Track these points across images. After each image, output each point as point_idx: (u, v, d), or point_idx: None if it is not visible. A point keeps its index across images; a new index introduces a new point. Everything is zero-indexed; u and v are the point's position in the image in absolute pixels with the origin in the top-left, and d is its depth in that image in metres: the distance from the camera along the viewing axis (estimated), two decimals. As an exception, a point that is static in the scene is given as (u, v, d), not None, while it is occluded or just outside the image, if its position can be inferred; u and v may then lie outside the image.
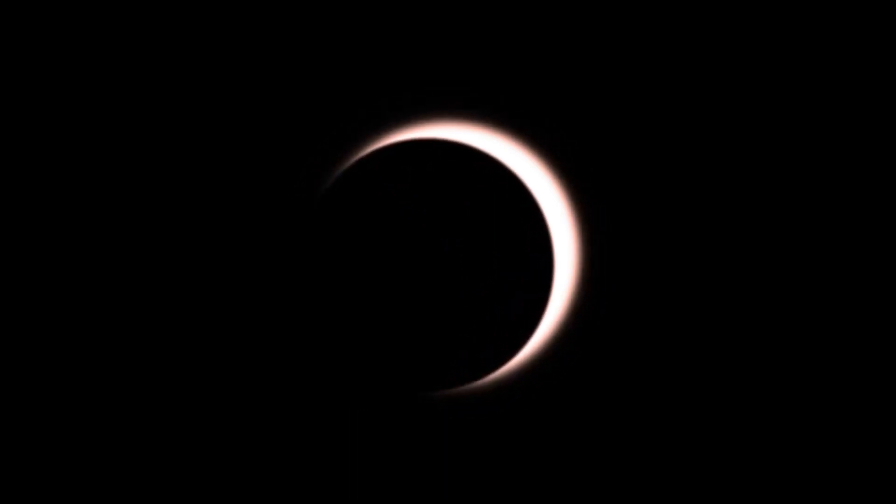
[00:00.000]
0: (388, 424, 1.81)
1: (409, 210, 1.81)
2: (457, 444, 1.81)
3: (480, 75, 1.80)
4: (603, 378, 1.81)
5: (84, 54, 1.77)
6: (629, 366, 1.81)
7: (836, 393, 1.79)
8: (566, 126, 1.81)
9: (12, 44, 1.77)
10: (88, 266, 1.78)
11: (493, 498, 1.81)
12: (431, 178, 1.80)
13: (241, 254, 1.79)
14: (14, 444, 1.77)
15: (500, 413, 1.81)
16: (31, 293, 1.77)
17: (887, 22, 1.78)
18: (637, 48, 1.79)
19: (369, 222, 1.80)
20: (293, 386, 1.80)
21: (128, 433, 1.78)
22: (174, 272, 1.78)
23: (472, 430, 1.81)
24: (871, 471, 1.79)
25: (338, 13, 1.78)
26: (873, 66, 1.79)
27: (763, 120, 1.80)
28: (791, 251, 1.80)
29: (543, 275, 1.80)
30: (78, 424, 1.78)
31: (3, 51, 1.77)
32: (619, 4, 1.78)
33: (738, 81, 1.80)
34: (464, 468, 1.81)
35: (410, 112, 1.81)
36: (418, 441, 1.81)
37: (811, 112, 1.79)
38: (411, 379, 1.80)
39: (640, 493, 1.80)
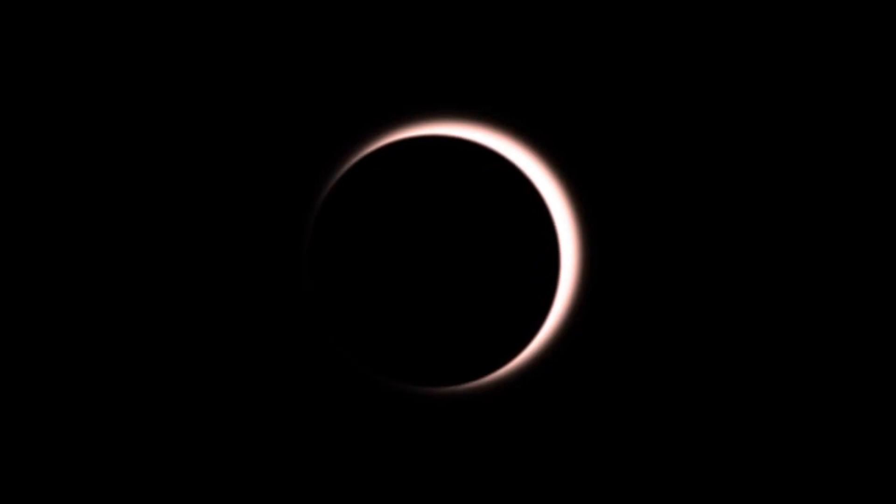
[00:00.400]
0: (389, 424, 1.81)
1: (414, 207, 1.81)
2: (457, 444, 1.81)
3: (485, 75, 1.80)
4: (603, 379, 1.81)
5: (84, 55, 1.77)
6: (629, 367, 1.81)
7: (839, 394, 1.80)
8: (566, 126, 1.81)
9: (12, 44, 1.77)
10: (94, 267, 1.78)
11: (493, 498, 1.81)
12: (437, 175, 1.80)
13: (248, 250, 1.79)
14: (14, 444, 1.77)
15: (501, 413, 1.81)
16: (31, 294, 1.77)
17: (887, 22, 1.79)
18: (638, 50, 1.80)
19: (374, 219, 1.80)
20: (295, 383, 1.80)
21: (134, 431, 1.78)
22: (179, 271, 1.78)
23: (472, 430, 1.81)
24: (871, 471, 1.79)
25: (349, 12, 1.78)
26: (873, 67, 1.80)
27: (763, 120, 1.80)
28: (791, 249, 1.80)
29: (548, 274, 1.80)
30: (82, 424, 1.78)
31: (2, 51, 1.77)
32: (621, 6, 1.79)
33: (738, 82, 1.80)
34: (464, 468, 1.81)
35: (416, 109, 1.81)
36: (418, 440, 1.81)
37: (811, 112, 1.80)
38: (415, 375, 1.79)
39: (640, 493, 1.81)
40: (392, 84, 1.80)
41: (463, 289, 1.81)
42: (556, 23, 1.80)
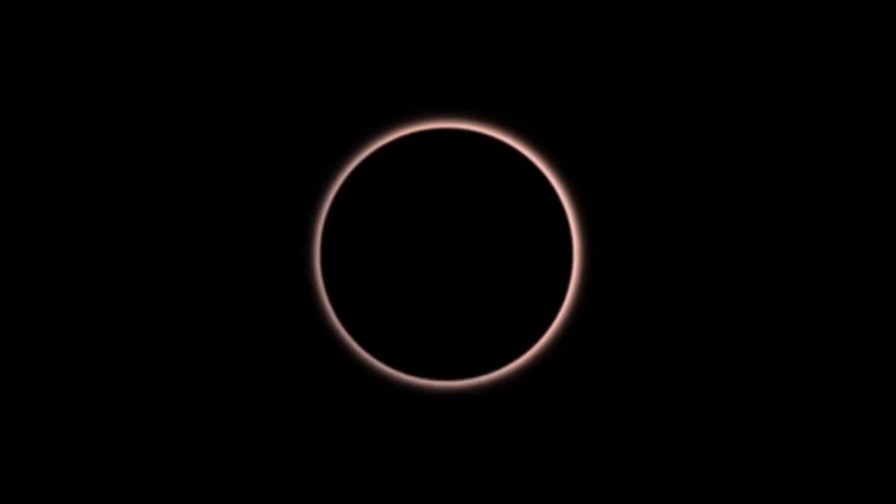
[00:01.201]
0: (389, 423, 1.81)
1: (425, 201, 1.79)
2: (456, 441, 1.81)
3: (488, 74, 1.80)
4: (603, 379, 1.81)
5: (87, 58, 1.77)
6: (629, 368, 1.81)
7: (837, 393, 1.80)
8: (566, 127, 1.81)
9: (14, 44, 1.78)
10: (108, 268, 1.79)
11: (491, 495, 1.81)
12: (449, 168, 1.79)
13: (259, 244, 1.81)
14: (14, 444, 1.78)
15: (500, 411, 1.81)
16: (36, 294, 1.77)
17: (887, 22, 1.79)
18: (639, 52, 1.80)
19: (384, 212, 1.79)
20: (299, 376, 1.81)
21: (142, 428, 1.80)
22: (194, 265, 1.80)
23: (471, 427, 1.81)
24: (871, 471, 1.79)
25: (359, 13, 1.79)
26: (873, 67, 1.79)
27: (762, 120, 1.80)
28: (790, 248, 1.80)
29: (561, 273, 1.79)
30: (95, 422, 1.79)
31: (4, 51, 1.78)
32: (627, 11, 1.79)
33: (737, 82, 1.80)
34: (464, 467, 1.81)
35: (419, 107, 1.81)
36: (418, 436, 1.81)
37: (811, 112, 1.80)
38: (420, 368, 1.79)
39: (640, 493, 1.82)
40: (398, 81, 1.80)
41: (473, 285, 1.79)
42: (558, 24, 1.80)
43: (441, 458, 1.80)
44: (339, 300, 1.79)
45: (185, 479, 1.78)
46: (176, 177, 1.78)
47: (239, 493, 1.79)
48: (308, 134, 1.80)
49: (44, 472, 1.76)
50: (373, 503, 1.79)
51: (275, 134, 1.79)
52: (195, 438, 1.79)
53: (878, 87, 1.78)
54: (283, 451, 1.80)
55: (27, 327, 1.76)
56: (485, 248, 1.79)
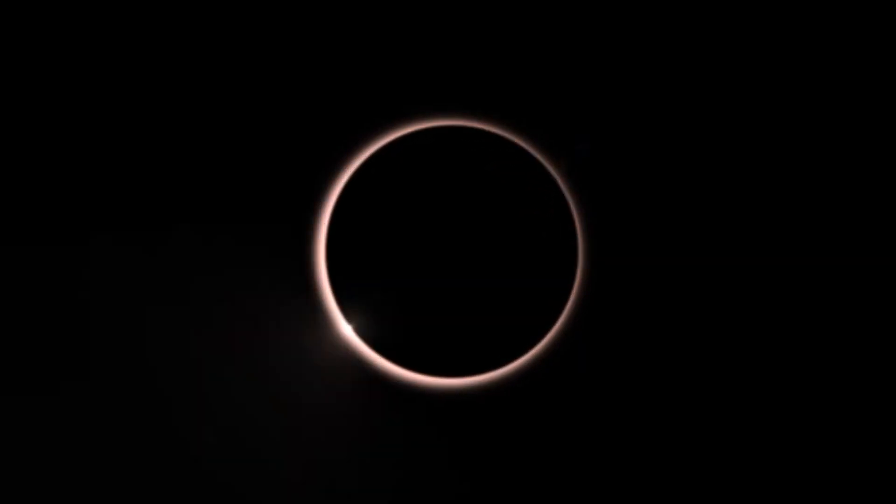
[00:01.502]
0: (390, 421, 1.83)
1: (430, 198, 1.79)
2: (457, 443, 1.83)
3: (497, 73, 1.81)
4: (604, 380, 1.83)
5: (89, 58, 1.78)
6: (631, 369, 1.82)
7: (839, 396, 1.81)
8: (572, 125, 1.82)
9: (14, 44, 1.78)
10: (115, 265, 1.80)
11: (493, 496, 1.83)
12: (454, 166, 1.79)
13: (263, 242, 1.82)
14: (15, 443, 1.80)
15: (502, 412, 1.83)
16: (40, 294, 1.79)
17: (887, 22, 1.79)
18: (647, 55, 1.80)
19: (388, 212, 1.80)
20: (298, 378, 1.83)
21: (147, 425, 1.81)
22: (198, 266, 1.81)
23: (472, 429, 1.83)
24: (870, 472, 1.80)
25: (383, 17, 1.80)
26: (873, 67, 1.79)
27: (767, 119, 1.80)
28: (793, 245, 1.81)
29: (565, 273, 1.79)
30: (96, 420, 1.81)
31: (5, 51, 1.78)
32: (631, 10, 1.79)
33: (742, 82, 1.80)
34: (464, 466, 1.83)
35: (427, 106, 1.81)
36: (419, 438, 1.83)
37: (813, 112, 1.80)
38: (425, 366, 1.80)
39: (640, 493, 1.82)
40: (398, 81, 1.81)
41: (475, 284, 1.80)
42: (562, 22, 1.80)
43: (441, 458, 1.81)
44: (342, 298, 1.80)
45: (186, 477, 1.80)
46: (178, 179, 1.79)
47: (240, 491, 1.81)
48: (309, 134, 1.80)
49: (45, 471, 1.78)
50: (372, 501, 1.81)
51: (276, 135, 1.80)
52: (198, 436, 1.80)
53: (878, 86, 1.78)
54: (285, 447, 1.81)
55: (30, 329, 1.77)
56: (487, 248, 1.80)
